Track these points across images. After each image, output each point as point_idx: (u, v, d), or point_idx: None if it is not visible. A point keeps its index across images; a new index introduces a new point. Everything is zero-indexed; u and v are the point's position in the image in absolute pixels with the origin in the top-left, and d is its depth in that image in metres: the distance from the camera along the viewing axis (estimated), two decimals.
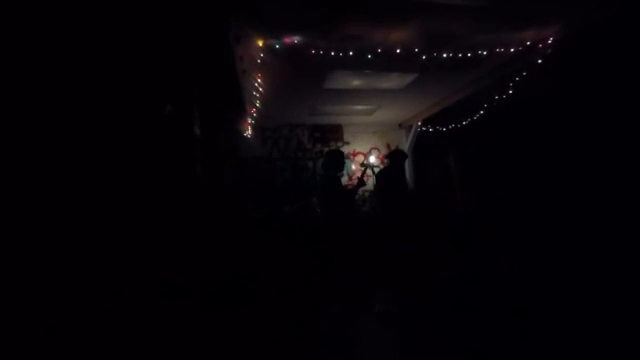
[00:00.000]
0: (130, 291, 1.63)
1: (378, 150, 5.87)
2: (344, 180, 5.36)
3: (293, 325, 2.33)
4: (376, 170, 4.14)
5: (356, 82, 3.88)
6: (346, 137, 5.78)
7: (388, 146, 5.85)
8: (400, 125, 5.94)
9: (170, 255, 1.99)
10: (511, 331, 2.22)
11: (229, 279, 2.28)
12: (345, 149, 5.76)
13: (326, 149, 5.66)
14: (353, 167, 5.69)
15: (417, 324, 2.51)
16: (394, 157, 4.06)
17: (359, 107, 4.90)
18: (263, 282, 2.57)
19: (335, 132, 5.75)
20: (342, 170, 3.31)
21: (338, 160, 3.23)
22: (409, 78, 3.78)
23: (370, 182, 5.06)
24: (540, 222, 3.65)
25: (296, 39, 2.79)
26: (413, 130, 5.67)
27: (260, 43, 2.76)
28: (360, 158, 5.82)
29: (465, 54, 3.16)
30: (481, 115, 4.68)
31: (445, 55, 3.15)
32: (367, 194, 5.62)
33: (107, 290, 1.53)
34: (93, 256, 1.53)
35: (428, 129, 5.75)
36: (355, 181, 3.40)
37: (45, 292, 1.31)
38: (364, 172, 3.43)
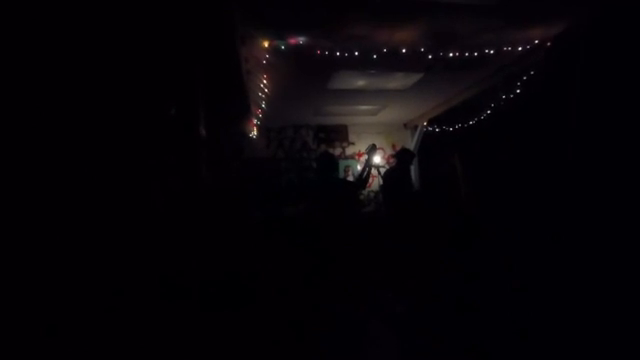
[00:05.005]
0: (130, 291, 1.65)
1: (383, 150, 5.84)
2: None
3: (293, 325, 2.34)
4: (382, 170, 4.11)
5: (361, 82, 3.86)
6: (351, 137, 5.77)
7: (393, 146, 5.82)
8: (405, 125, 5.90)
9: (170, 255, 2.01)
10: (511, 331, 2.21)
11: (229, 279, 2.30)
12: (350, 149, 5.76)
13: (331, 150, 5.66)
14: (359, 167, 5.67)
15: (418, 324, 2.51)
16: (402, 157, 4.03)
17: (364, 107, 4.88)
18: (263, 282, 2.58)
19: (340, 132, 5.74)
20: (336, 172, 3.29)
21: (330, 162, 3.20)
22: (415, 78, 3.75)
23: (375, 182, 5.05)
24: (544, 222, 3.60)
25: (301, 40, 2.79)
26: (418, 130, 5.63)
27: (265, 44, 2.77)
28: (365, 159, 5.80)
29: (471, 53, 3.12)
30: (488, 115, 4.62)
31: (451, 54, 3.11)
32: (372, 194, 5.61)
33: (107, 290, 1.55)
34: (93, 256, 1.56)
35: (434, 129, 5.70)
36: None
37: (45, 292, 1.33)
38: (367, 173, 3.39)
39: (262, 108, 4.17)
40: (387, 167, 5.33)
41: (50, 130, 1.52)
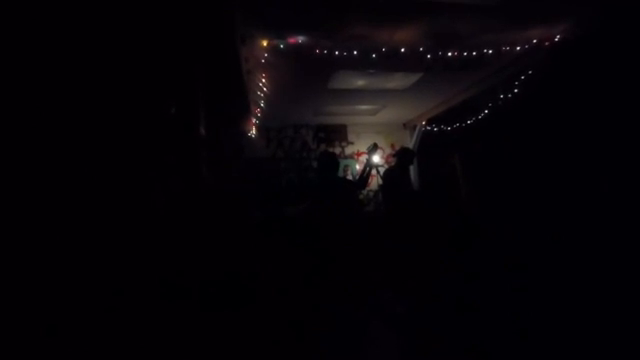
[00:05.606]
0: (130, 291, 1.65)
1: (382, 150, 5.84)
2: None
3: (293, 325, 2.34)
4: (381, 170, 4.10)
5: (360, 82, 3.86)
6: (350, 137, 5.77)
7: (392, 146, 5.82)
8: (405, 125, 5.91)
9: (171, 255, 2.01)
10: (511, 331, 2.21)
11: (229, 279, 2.30)
12: (349, 149, 5.76)
13: (330, 149, 5.66)
14: (358, 167, 5.67)
15: (418, 324, 2.51)
16: (401, 156, 4.02)
17: (363, 107, 4.88)
18: (263, 282, 2.58)
19: (339, 132, 5.73)
20: (337, 171, 3.28)
21: (331, 162, 3.18)
22: (414, 78, 3.76)
23: (375, 182, 5.05)
24: (543, 222, 3.61)
25: (301, 39, 2.79)
26: (418, 130, 5.63)
27: (265, 43, 2.77)
28: (365, 158, 5.79)
29: (471, 53, 3.12)
30: (487, 114, 4.62)
31: (451, 54, 3.12)
32: (371, 194, 5.61)
33: (107, 290, 1.55)
34: (93, 256, 1.56)
35: (433, 129, 5.70)
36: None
37: (45, 292, 1.33)
38: (367, 172, 3.39)
39: (262, 108, 4.17)
40: (386, 167, 5.33)
41: (50, 130, 1.52)
